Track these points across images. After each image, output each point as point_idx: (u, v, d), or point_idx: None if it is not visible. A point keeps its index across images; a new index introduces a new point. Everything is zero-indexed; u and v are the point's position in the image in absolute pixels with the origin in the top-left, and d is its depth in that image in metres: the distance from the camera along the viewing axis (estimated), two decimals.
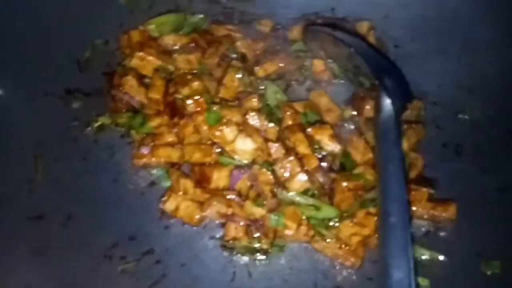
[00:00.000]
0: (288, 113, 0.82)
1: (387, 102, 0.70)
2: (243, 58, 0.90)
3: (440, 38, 0.93)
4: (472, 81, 0.89)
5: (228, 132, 0.76)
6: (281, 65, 0.89)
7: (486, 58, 0.90)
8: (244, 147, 0.76)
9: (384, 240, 0.59)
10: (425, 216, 0.74)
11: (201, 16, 0.93)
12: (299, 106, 0.84)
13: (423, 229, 0.74)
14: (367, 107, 0.83)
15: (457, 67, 0.91)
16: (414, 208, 0.74)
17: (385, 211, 0.61)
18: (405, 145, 0.80)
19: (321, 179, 0.77)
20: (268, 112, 0.82)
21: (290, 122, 0.81)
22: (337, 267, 0.70)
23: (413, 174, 0.78)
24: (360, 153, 0.79)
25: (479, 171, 0.79)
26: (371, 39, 0.93)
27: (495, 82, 0.88)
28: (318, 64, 0.90)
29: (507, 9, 0.93)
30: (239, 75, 0.84)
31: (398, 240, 0.58)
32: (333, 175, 0.76)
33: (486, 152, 0.81)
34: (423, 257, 0.70)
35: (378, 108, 0.70)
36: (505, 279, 0.66)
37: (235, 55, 0.89)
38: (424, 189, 0.75)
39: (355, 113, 0.85)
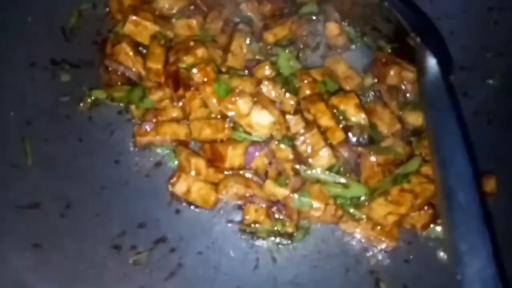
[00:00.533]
0: (306, 81, 0.74)
1: (432, 62, 0.62)
2: (249, 22, 0.82)
3: None
4: (500, 42, 0.83)
5: (242, 104, 0.68)
6: (292, 29, 0.81)
7: None
8: (262, 121, 0.68)
9: (453, 223, 0.53)
10: None
11: None
12: (317, 74, 0.76)
13: None
14: (391, 73, 0.76)
15: (483, 28, 0.85)
16: None
17: (449, 189, 0.53)
18: None
19: (345, 154, 0.70)
20: (283, 82, 0.74)
21: (308, 92, 0.73)
22: (370, 250, 0.65)
23: None
24: (386, 124, 0.73)
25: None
26: None
27: None
28: (333, 28, 0.83)
29: None
30: (247, 41, 0.76)
31: (471, 221, 0.52)
32: (360, 149, 0.70)
33: None
34: None
35: (421, 71, 0.63)
36: None
37: (240, 20, 0.81)
38: None
39: (376, 80, 0.79)
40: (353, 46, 0.84)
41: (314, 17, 0.84)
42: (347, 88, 0.79)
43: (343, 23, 0.84)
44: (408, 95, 0.78)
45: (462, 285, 0.49)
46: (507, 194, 0.68)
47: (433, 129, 0.58)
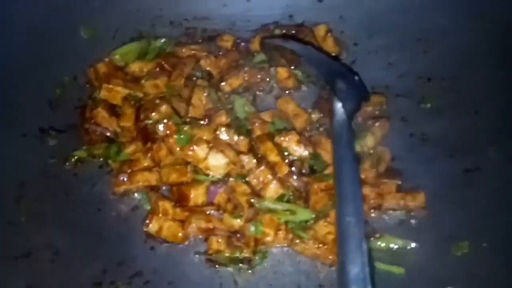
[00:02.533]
0: (257, 124, 0.87)
1: (338, 106, 0.75)
2: (208, 75, 0.96)
3: (396, 31, 0.99)
4: (429, 69, 0.95)
5: (199, 150, 0.81)
6: (246, 78, 0.95)
7: (441, 45, 0.96)
8: (217, 163, 0.81)
9: (341, 239, 0.65)
10: (396, 207, 0.80)
11: (164, 39, 0.98)
12: (266, 116, 0.89)
13: (396, 220, 0.80)
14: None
15: (415, 58, 0.97)
16: (384, 202, 0.80)
17: (341, 212, 0.67)
18: (372, 140, 0.86)
19: (295, 184, 0.83)
20: (238, 125, 0.87)
21: (259, 132, 0.86)
22: (318, 267, 0.76)
23: (381, 167, 0.84)
24: (329, 153, 0.84)
25: (446, 157, 0.85)
26: (329, 41, 0.99)
27: (451, 69, 0.94)
28: (282, 72, 0.96)
29: None
30: (206, 93, 0.90)
31: (354, 238, 0.64)
32: (305, 178, 0.82)
33: (451, 137, 0.87)
34: (397, 246, 0.76)
35: (331, 112, 0.76)
36: (474, 257, 0.72)
37: (200, 74, 0.95)
38: (393, 181, 0.81)
39: (321, 115, 0.91)
40: (302, 86, 0.98)
41: (265, 65, 0.99)
42: (297, 124, 0.91)
43: (291, 67, 0.98)
44: None
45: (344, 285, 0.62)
46: (436, 206, 0.79)
47: (336, 161, 0.70)
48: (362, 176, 0.83)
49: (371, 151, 0.85)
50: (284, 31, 1.00)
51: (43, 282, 0.70)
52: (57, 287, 0.70)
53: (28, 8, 0.92)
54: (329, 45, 0.99)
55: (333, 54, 0.98)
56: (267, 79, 0.96)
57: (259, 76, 0.95)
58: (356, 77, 0.84)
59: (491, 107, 0.88)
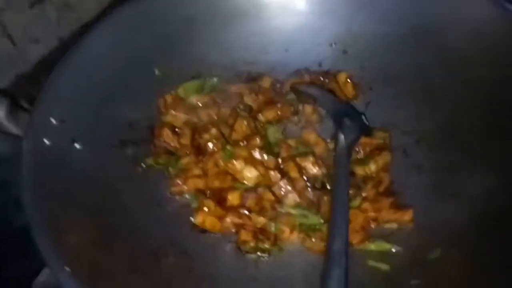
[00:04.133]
0: (284, 147, 1.13)
1: (341, 137, 1.00)
2: (249, 108, 1.22)
3: (405, 81, 1.20)
4: (430, 115, 1.16)
5: (238, 164, 1.07)
6: (278, 112, 1.22)
7: (440, 95, 1.18)
8: (250, 175, 1.06)
9: (330, 246, 0.87)
10: (389, 219, 1.02)
11: (217, 79, 1.24)
12: (292, 142, 1.14)
13: (389, 229, 1.02)
14: None
15: (419, 103, 1.19)
16: (380, 215, 1.02)
17: (333, 217, 0.90)
18: (374, 166, 1.09)
19: (309, 196, 1.07)
20: (268, 148, 1.13)
21: (284, 154, 1.12)
22: (323, 261, 0.98)
23: (381, 188, 1.06)
24: None
25: (434, 183, 1.06)
26: (349, 85, 1.22)
27: (448, 113, 1.15)
28: (308, 109, 1.21)
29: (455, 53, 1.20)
30: (246, 122, 1.16)
31: (340, 250, 0.85)
32: (318, 192, 1.06)
33: (440, 169, 1.07)
34: (386, 248, 0.97)
35: (334, 140, 1.01)
36: (442, 260, 0.91)
37: (243, 107, 1.23)
38: (388, 199, 1.03)
39: None
40: (324, 121, 1.23)
41: (295, 102, 1.26)
42: (316, 150, 1.15)
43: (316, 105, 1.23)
44: (358, 153, 1.14)
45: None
46: (420, 221, 1.00)
47: (333, 176, 0.94)
48: (364, 195, 1.06)
49: (374, 175, 1.09)
50: (312, 76, 1.27)
51: (114, 243, 0.97)
52: (129, 251, 0.97)
53: (119, 48, 1.18)
54: (349, 89, 1.22)
55: (351, 97, 1.23)
56: (296, 114, 1.22)
57: (289, 111, 1.22)
58: (361, 116, 1.09)
59: (477, 146, 1.08)
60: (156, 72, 1.24)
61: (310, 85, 1.16)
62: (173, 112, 1.17)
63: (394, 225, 1.02)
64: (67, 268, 0.81)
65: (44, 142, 1.01)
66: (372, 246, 0.98)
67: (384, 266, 0.95)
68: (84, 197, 1.00)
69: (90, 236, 0.95)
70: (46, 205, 0.93)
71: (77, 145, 1.05)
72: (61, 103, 1.05)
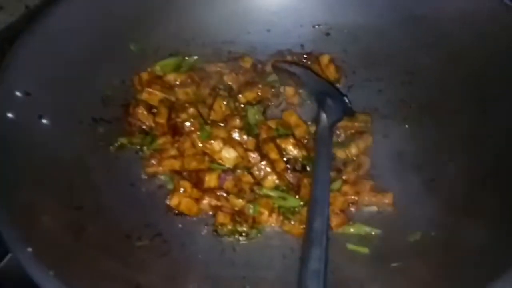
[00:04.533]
0: (264, 129, 1.11)
1: (323, 116, 0.98)
2: (229, 88, 1.19)
3: (388, 64, 1.19)
4: (413, 97, 1.16)
5: (215, 145, 1.04)
6: (259, 93, 1.19)
7: (424, 78, 1.17)
8: (228, 156, 1.03)
9: (309, 233, 0.84)
10: (370, 203, 1.01)
11: (196, 57, 1.22)
12: (272, 123, 1.11)
13: (369, 212, 1.01)
14: None
15: (401, 87, 1.19)
16: (360, 198, 1.01)
17: (313, 197, 0.88)
18: (355, 149, 1.07)
19: (289, 178, 1.04)
20: (248, 129, 1.10)
21: (264, 136, 1.09)
22: (301, 243, 0.96)
23: (361, 171, 1.05)
24: None
25: (414, 168, 1.05)
26: (331, 68, 1.21)
27: (431, 97, 1.15)
28: (289, 91, 1.19)
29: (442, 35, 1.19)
30: (225, 102, 1.13)
31: (319, 236, 0.83)
32: (298, 174, 1.04)
33: (420, 153, 1.07)
34: (366, 232, 0.97)
35: (317, 120, 0.99)
36: (422, 243, 0.91)
37: (222, 86, 1.20)
38: (368, 182, 1.02)
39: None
40: (305, 104, 1.21)
41: (276, 84, 1.23)
42: (296, 132, 1.13)
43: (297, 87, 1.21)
44: (339, 136, 1.13)
45: (302, 277, 0.81)
46: (400, 205, 0.99)
47: (315, 157, 0.92)
48: (345, 177, 1.05)
49: (354, 158, 1.07)
50: (294, 57, 1.24)
51: (85, 225, 0.91)
52: (101, 234, 0.93)
53: (93, 20, 1.13)
54: (331, 72, 1.21)
55: (333, 79, 1.21)
56: (277, 95, 1.20)
57: (270, 92, 1.19)
58: (343, 97, 1.07)
59: (458, 131, 1.08)
60: (132, 47, 1.20)
61: (292, 64, 1.13)
62: (149, 89, 1.13)
63: (374, 208, 1.01)
64: (29, 249, 0.76)
65: (8, 117, 0.94)
66: (352, 229, 0.97)
67: (363, 249, 0.94)
68: (52, 177, 0.95)
69: (59, 218, 0.90)
70: (10, 184, 0.87)
71: (44, 121, 0.99)
72: (27, 74, 0.99)
